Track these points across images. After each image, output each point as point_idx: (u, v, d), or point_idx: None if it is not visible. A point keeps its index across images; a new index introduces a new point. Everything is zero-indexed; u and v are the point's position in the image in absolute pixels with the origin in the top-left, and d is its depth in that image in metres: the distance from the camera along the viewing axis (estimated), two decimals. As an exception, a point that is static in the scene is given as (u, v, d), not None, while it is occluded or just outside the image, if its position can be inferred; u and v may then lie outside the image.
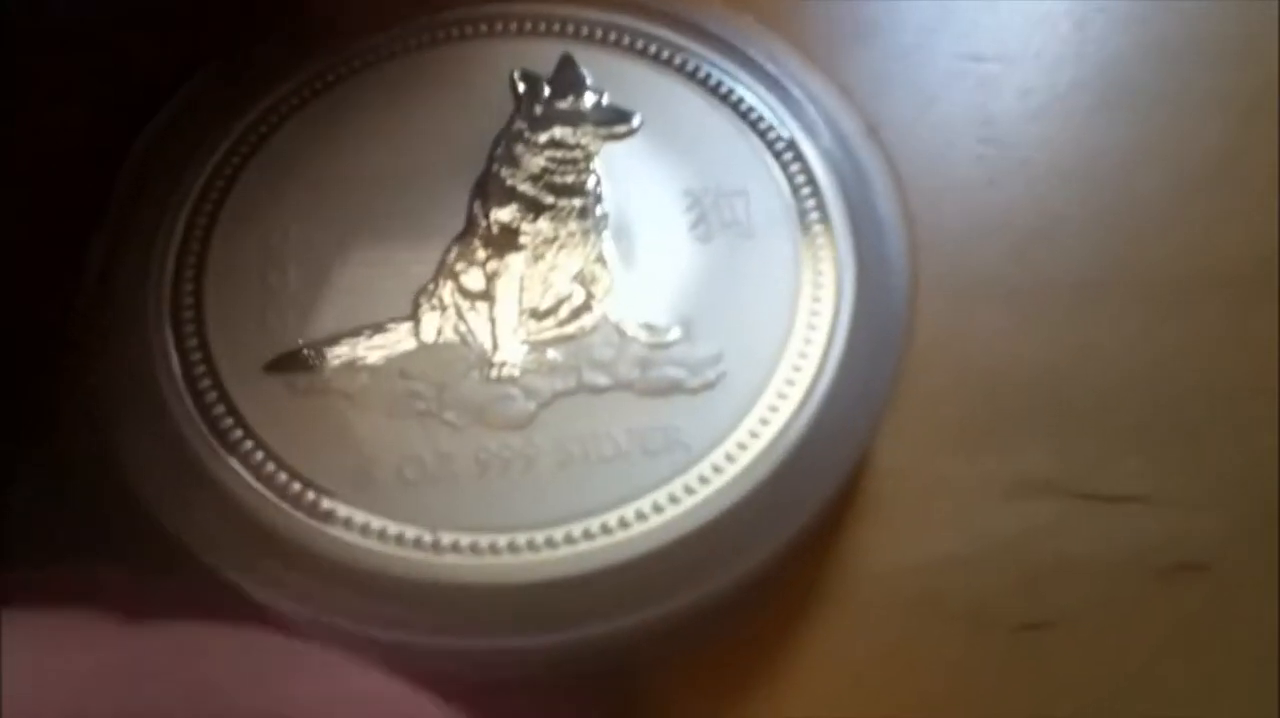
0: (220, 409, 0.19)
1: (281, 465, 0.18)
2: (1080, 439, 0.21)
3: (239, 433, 0.18)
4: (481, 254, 0.20)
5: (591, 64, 0.22)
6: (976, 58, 0.23)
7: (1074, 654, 0.19)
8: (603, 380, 0.19)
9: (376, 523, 0.18)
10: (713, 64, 0.22)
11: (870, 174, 0.21)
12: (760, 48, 0.22)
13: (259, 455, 0.18)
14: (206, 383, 0.19)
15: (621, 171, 0.21)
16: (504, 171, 0.21)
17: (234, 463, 0.18)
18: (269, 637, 0.13)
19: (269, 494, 0.18)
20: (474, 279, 0.20)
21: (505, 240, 0.20)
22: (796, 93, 0.22)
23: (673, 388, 0.19)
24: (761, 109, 0.22)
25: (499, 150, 0.21)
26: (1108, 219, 0.23)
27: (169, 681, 0.12)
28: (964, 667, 0.20)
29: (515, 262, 0.20)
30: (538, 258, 0.20)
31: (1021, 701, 0.19)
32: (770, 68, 0.22)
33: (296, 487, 0.18)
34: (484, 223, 0.21)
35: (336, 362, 0.19)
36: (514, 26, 0.23)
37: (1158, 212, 0.21)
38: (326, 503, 0.18)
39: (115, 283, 0.20)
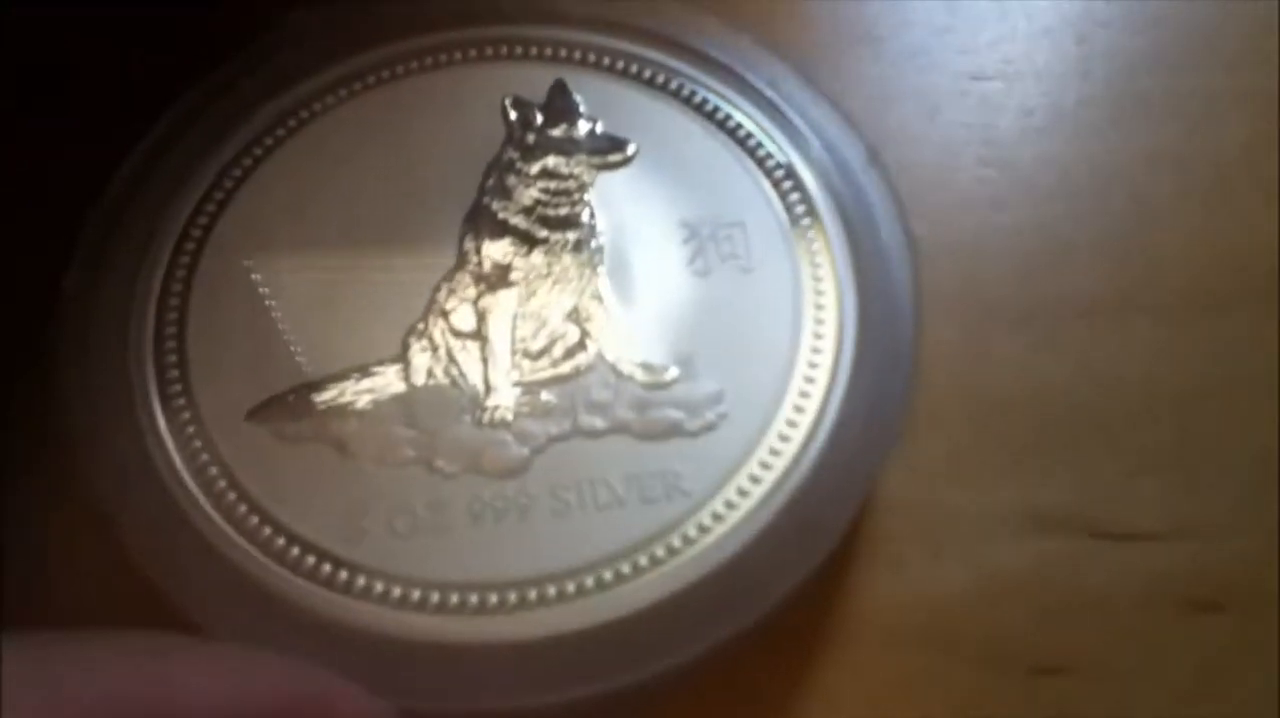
0: (205, 458, 0.18)
1: (267, 519, 0.18)
2: (1094, 470, 0.20)
3: (223, 483, 0.18)
4: (472, 291, 0.20)
5: (585, 90, 0.22)
6: (978, 76, 0.22)
7: (1092, 699, 0.19)
8: (599, 423, 0.18)
9: (366, 581, 0.17)
10: (710, 89, 0.22)
11: (872, 203, 0.20)
12: (759, 72, 0.22)
13: (243, 508, 0.18)
14: (190, 430, 0.18)
15: (616, 203, 0.21)
16: (495, 204, 0.21)
17: (218, 517, 0.18)
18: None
19: (254, 550, 0.17)
20: (465, 318, 0.19)
21: (497, 276, 0.20)
22: (796, 119, 0.21)
23: (672, 430, 0.18)
24: (760, 136, 0.21)
25: (490, 182, 0.21)
26: (1119, 237, 0.22)
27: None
28: (977, 710, 0.19)
29: (507, 299, 0.20)
30: (531, 294, 0.20)
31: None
32: (769, 93, 0.21)
33: (281, 541, 0.17)
34: (475, 258, 0.20)
35: (324, 407, 0.19)
36: (505, 51, 0.22)
37: (1171, 226, 0.20)
38: (312, 559, 0.17)
39: (93, 322, 0.19)
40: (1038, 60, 0.22)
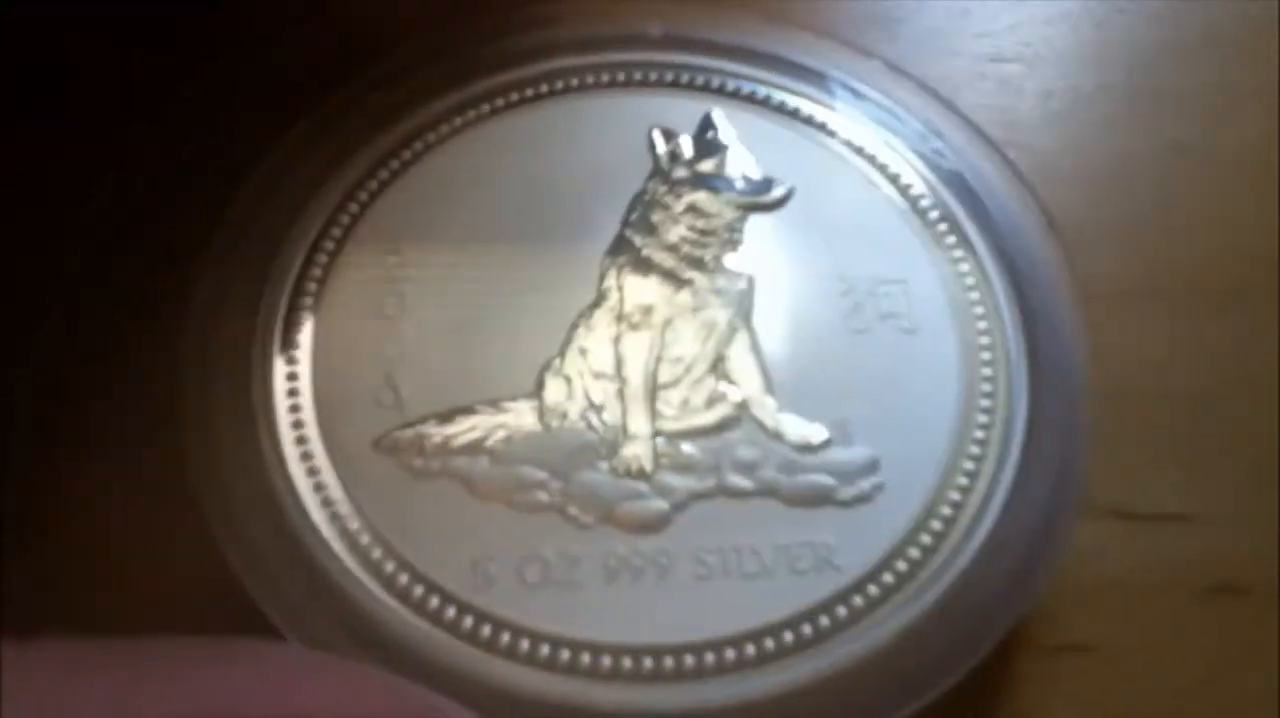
0: (327, 489, 0.17)
1: (391, 555, 0.16)
2: (1117, 453, 0.19)
3: (346, 515, 0.17)
4: (613, 330, 0.19)
5: (738, 125, 0.21)
6: (997, 58, 0.21)
7: (1114, 678, 0.18)
8: (745, 484, 0.17)
9: (492, 631, 0.16)
10: (872, 134, 0.20)
11: (1047, 275, 0.19)
12: (928, 121, 0.20)
13: (365, 539, 0.17)
14: (313, 458, 0.17)
15: (769, 249, 0.19)
16: (638, 239, 0.19)
17: (340, 549, 0.17)
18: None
19: (376, 587, 0.16)
20: (603, 357, 0.18)
21: (639, 316, 0.19)
22: (968, 175, 0.20)
23: (823, 498, 0.17)
24: (926, 190, 0.20)
25: (633, 215, 0.20)
26: (1140, 224, 0.21)
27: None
28: (998, 688, 0.18)
29: (649, 341, 0.18)
30: (675, 339, 0.19)
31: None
32: (938, 144, 0.20)
33: (405, 578, 0.16)
34: (616, 295, 0.19)
35: (454, 442, 0.17)
36: (653, 78, 0.21)
37: (1194, 213, 0.20)
38: (436, 601, 0.16)
39: (217, 341, 0.18)
40: (1056, 44, 0.22)
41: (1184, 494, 0.18)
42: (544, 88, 0.21)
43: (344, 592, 0.16)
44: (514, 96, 0.21)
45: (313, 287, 0.19)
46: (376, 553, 0.16)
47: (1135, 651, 0.18)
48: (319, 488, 0.17)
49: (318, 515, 0.17)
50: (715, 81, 0.21)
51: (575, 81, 0.21)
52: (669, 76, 0.21)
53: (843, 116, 0.21)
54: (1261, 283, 0.19)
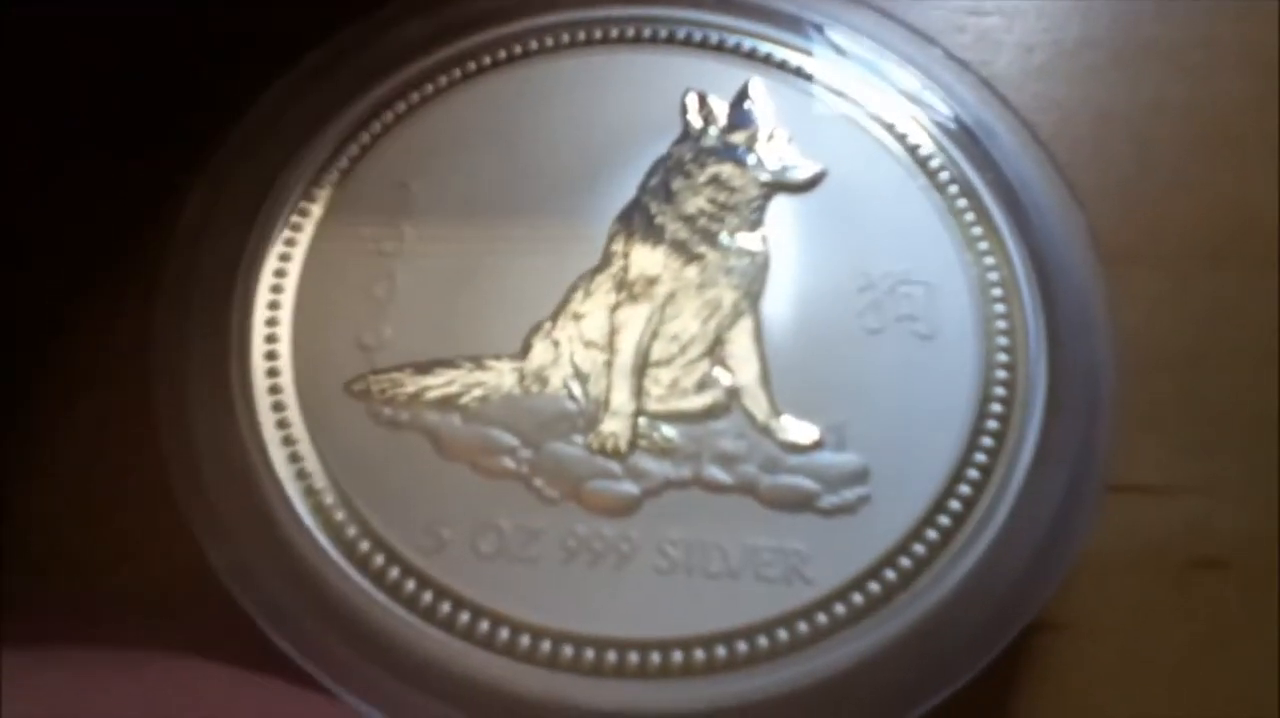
0: (291, 426, 0.16)
1: (345, 504, 0.16)
2: None
3: (306, 454, 0.16)
4: (612, 297, 0.18)
5: (778, 98, 0.19)
6: (976, 10, 0.20)
7: (1093, 655, 0.17)
8: (724, 478, 0.16)
9: (433, 598, 0.15)
10: (916, 121, 0.19)
11: (1087, 301, 0.17)
12: (976, 114, 0.19)
13: (321, 484, 0.16)
14: (282, 393, 0.17)
15: (790, 232, 0.18)
16: (654, 206, 0.18)
17: (293, 491, 0.16)
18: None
19: (321, 536, 0.16)
20: (597, 325, 0.17)
21: (641, 287, 0.18)
22: (1014, 182, 0.18)
23: (802, 503, 0.16)
24: (966, 189, 0.18)
25: (653, 180, 0.19)
26: (1120, 185, 0.20)
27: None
28: None
29: (647, 314, 0.17)
30: (675, 314, 0.18)
31: (1041, 700, 0.17)
32: (990, 145, 0.19)
33: (353, 531, 0.16)
34: (621, 262, 0.18)
35: (427, 394, 0.17)
36: (697, 37, 0.20)
37: (1174, 176, 0.19)
38: (380, 559, 0.15)
39: (199, 267, 0.18)
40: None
41: (1160, 467, 0.18)
42: (565, 38, 0.20)
43: (291, 537, 0.16)
44: (535, 45, 0.20)
45: (308, 218, 0.18)
46: (329, 499, 0.16)
47: (1110, 626, 0.17)
48: (282, 424, 0.16)
49: (277, 454, 0.16)
50: (760, 49, 0.20)
51: (602, 34, 0.20)
52: (712, 38, 0.20)
53: (893, 104, 0.19)
54: (1245, 247, 0.19)
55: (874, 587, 0.15)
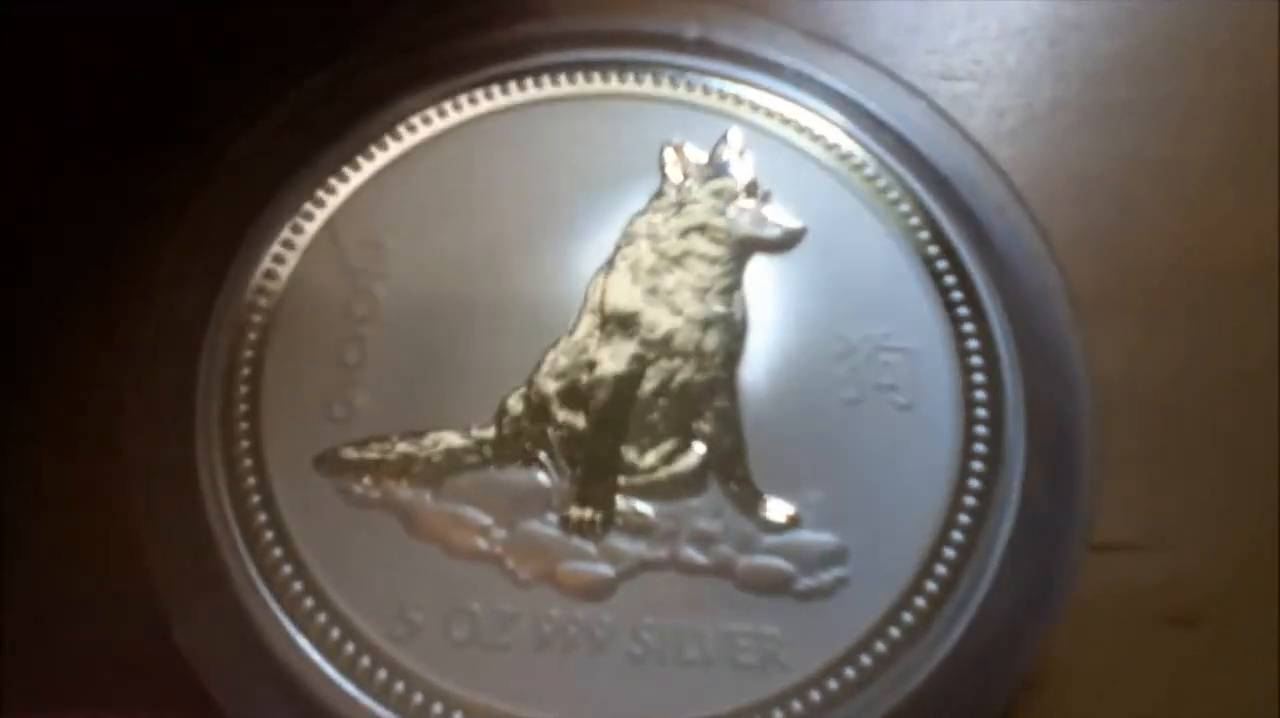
0: (256, 500, 0.16)
1: (312, 588, 0.16)
2: None
3: (271, 536, 0.16)
4: (588, 359, 0.17)
5: (758, 149, 0.19)
6: (947, 75, 0.20)
7: (1068, 712, 0.17)
8: (699, 559, 0.16)
9: (405, 688, 0.15)
10: (907, 186, 0.19)
11: (1067, 364, 0.17)
12: (963, 172, 0.19)
13: (288, 569, 0.16)
14: (248, 467, 0.16)
15: (769, 293, 0.18)
16: (630, 262, 0.18)
17: (257, 576, 0.16)
18: None
19: (288, 622, 0.15)
20: (572, 395, 0.17)
21: (618, 355, 0.17)
22: (994, 241, 0.18)
23: (778, 586, 0.16)
24: (945, 248, 0.18)
25: (628, 237, 0.18)
26: (1095, 240, 0.20)
27: None
28: None
29: (624, 380, 0.17)
30: (653, 378, 0.17)
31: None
32: (976, 207, 0.18)
33: (323, 618, 0.15)
34: (598, 324, 0.18)
35: (397, 469, 0.16)
36: (676, 84, 0.20)
37: (1148, 230, 0.19)
38: (351, 648, 0.15)
39: (168, 327, 0.17)
40: (1009, 61, 0.21)
41: (1132, 521, 0.18)
42: (544, 84, 0.20)
43: (257, 621, 0.15)
44: (499, 90, 0.19)
45: (276, 280, 0.18)
46: (298, 586, 0.16)
47: (1083, 682, 0.17)
48: (248, 501, 0.16)
49: (240, 535, 0.16)
50: (741, 95, 0.20)
51: (582, 79, 0.20)
52: (693, 83, 0.20)
53: (879, 163, 0.19)
54: (1220, 299, 0.19)
55: (849, 672, 0.15)
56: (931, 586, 0.16)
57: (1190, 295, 0.19)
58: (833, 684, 0.15)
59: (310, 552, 0.16)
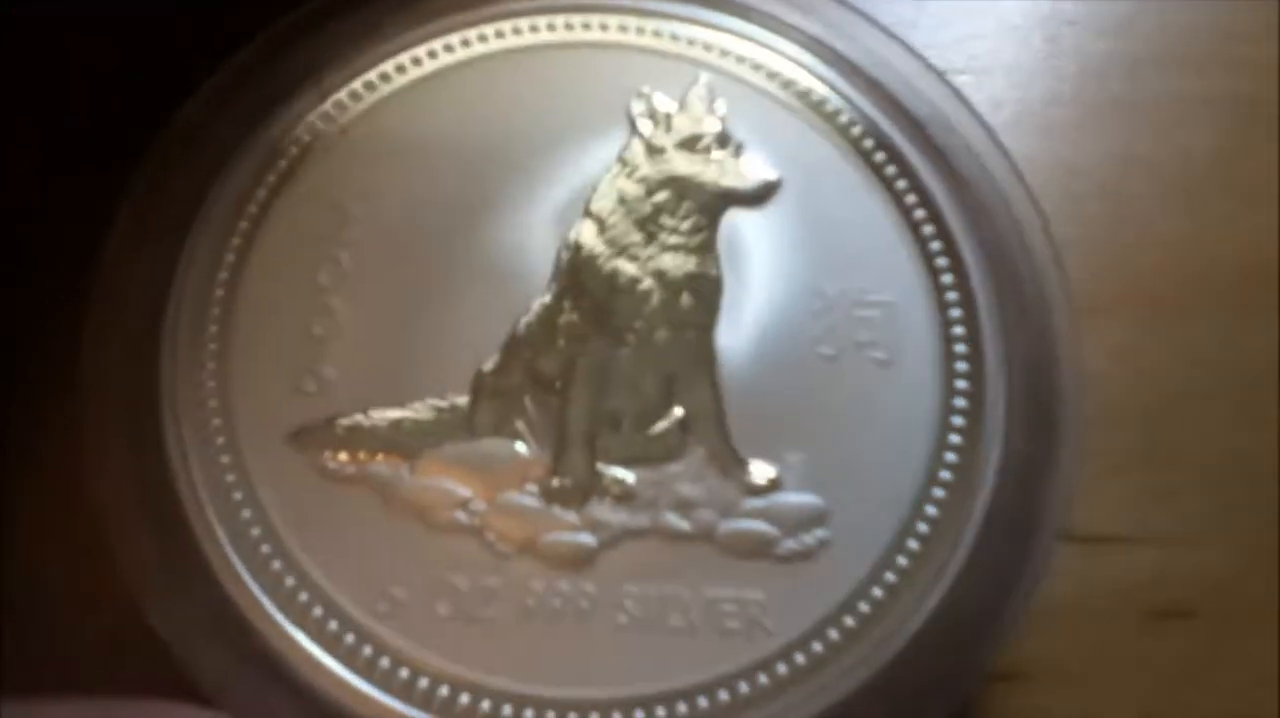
0: (230, 479, 0.16)
1: (292, 568, 0.15)
2: None
3: (248, 515, 0.16)
4: (562, 330, 0.17)
5: (730, 99, 0.18)
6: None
7: (1057, 705, 0.18)
8: (682, 525, 0.16)
9: (390, 663, 0.15)
10: (883, 132, 0.18)
11: (1053, 331, 0.17)
12: (955, 129, 0.18)
13: (266, 548, 0.15)
14: (220, 443, 0.16)
15: (745, 249, 0.18)
16: (602, 220, 0.18)
17: (234, 555, 0.15)
18: None
19: (268, 601, 0.15)
20: (548, 363, 0.17)
21: (593, 313, 0.17)
22: (980, 194, 0.18)
23: (759, 549, 0.16)
24: (927, 202, 0.18)
25: (599, 192, 0.18)
26: (1088, 238, 0.20)
27: None
28: None
29: (600, 346, 0.17)
30: (630, 343, 0.17)
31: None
32: (953, 153, 0.18)
33: (305, 597, 0.15)
34: (572, 283, 0.17)
35: (373, 443, 0.16)
36: (643, 30, 0.19)
37: (1141, 229, 0.19)
38: (335, 625, 0.15)
39: (124, 302, 0.17)
40: (1005, 57, 0.21)
41: (1126, 517, 0.18)
42: (506, 34, 0.19)
43: (235, 601, 0.15)
44: (465, 41, 0.19)
45: (236, 248, 0.17)
46: (277, 565, 0.15)
47: (1076, 677, 0.18)
48: (218, 478, 0.16)
49: (215, 515, 0.16)
50: (710, 42, 0.19)
51: (545, 28, 0.19)
52: (662, 30, 0.19)
53: (852, 108, 0.18)
54: (1210, 298, 0.19)
55: (834, 634, 0.15)
56: (914, 544, 0.16)
57: (1181, 293, 0.19)
58: (817, 647, 0.15)
59: (288, 530, 0.16)
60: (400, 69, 0.18)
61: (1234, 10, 0.20)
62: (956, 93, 0.19)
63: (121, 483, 0.16)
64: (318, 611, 0.15)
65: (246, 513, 0.16)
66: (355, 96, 0.18)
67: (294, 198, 0.17)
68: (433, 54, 0.19)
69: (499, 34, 0.19)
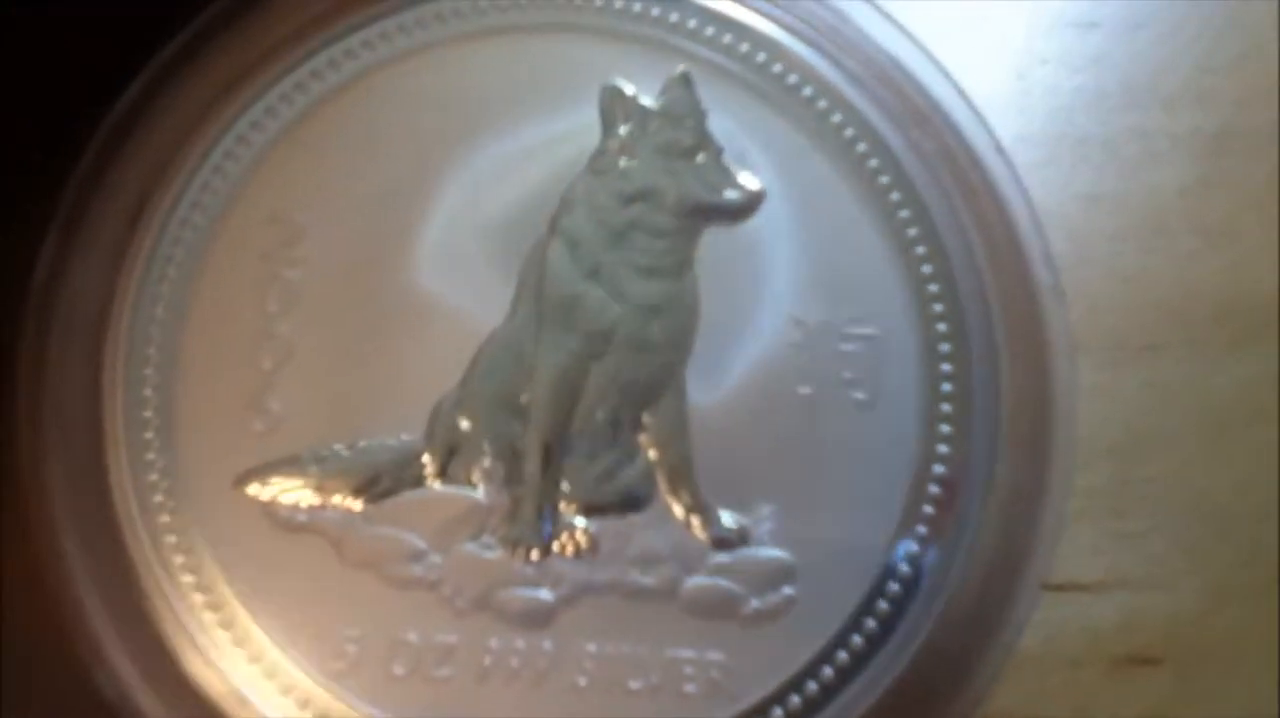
0: (174, 540, 0.15)
1: (242, 619, 0.15)
2: None
3: (196, 564, 0.15)
4: (524, 354, 0.16)
5: (712, 95, 0.17)
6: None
7: None
8: (644, 581, 0.15)
9: (346, 728, 0.15)
10: (884, 146, 0.17)
11: (1048, 361, 0.16)
12: (957, 128, 0.17)
13: (198, 599, 0.15)
14: (163, 489, 0.15)
15: (718, 268, 0.16)
16: (568, 237, 0.16)
17: (184, 611, 0.15)
18: None
19: (214, 655, 0.15)
20: (509, 400, 0.16)
21: (557, 346, 0.16)
22: (987, 213, 0.16)
23: (724, 608, 0.15)
24: (922, 218, 0.16)
25: (566, 206, 0.16)
26: (1060, 277, 0.19)
27: None
28: None
29: (565, 376, 0.16)
30: (594, 381, 0.16)
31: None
32: (958, 170, 0.16)
33: (254, 652, 0.15)
34: (535, 312, 0.16)
35: (326, 489, 0.15)
36: (620, 14, 0.17)
37: (1108, 268, 0.19)
38: (289, 684, 0.15)
39: (59, 334, 0.16)
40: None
41: (1094, 562, 0.18)
42: (471, 11, 0.17)
43: (186, 664, 0.15)
44: (425, 29, 0.17)
45: (171, 282, 0.16)
46: (215, 618, 0.15)
47: None
48: (162, 532, 0.15)
49: (159, 567, 0.15)
50: (704, 35, 0.17)
51: (514, 4, 0.17)
52: (640, 11, 0.17)
53: (852, 115, 0.17)
54: (1177, 336, 0.18)
55: (795, 700, 0.15)
56: (884, 605, 0.15)
57: (1150, 336, 0.18)
58: (777, 713, 0.15)
59: (238, 584, 0.15)
60: (349, 54, 0.17)
61: (1198, 50, 0.19)
62: (961, 90, 0.17)
63: (63, 536, 0.15)
64: (269, 668, 0.15)
65: (196, 566, 0.15)
66: (292, 100, 0.17)
67: (234, 212, 0.16)
68: (385, 36, 0.17)
69: (456, 13, 0.17)
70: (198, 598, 0.15)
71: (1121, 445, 0.17)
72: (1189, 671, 0.17)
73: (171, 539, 0.15)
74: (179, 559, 0.15)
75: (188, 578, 0.15)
